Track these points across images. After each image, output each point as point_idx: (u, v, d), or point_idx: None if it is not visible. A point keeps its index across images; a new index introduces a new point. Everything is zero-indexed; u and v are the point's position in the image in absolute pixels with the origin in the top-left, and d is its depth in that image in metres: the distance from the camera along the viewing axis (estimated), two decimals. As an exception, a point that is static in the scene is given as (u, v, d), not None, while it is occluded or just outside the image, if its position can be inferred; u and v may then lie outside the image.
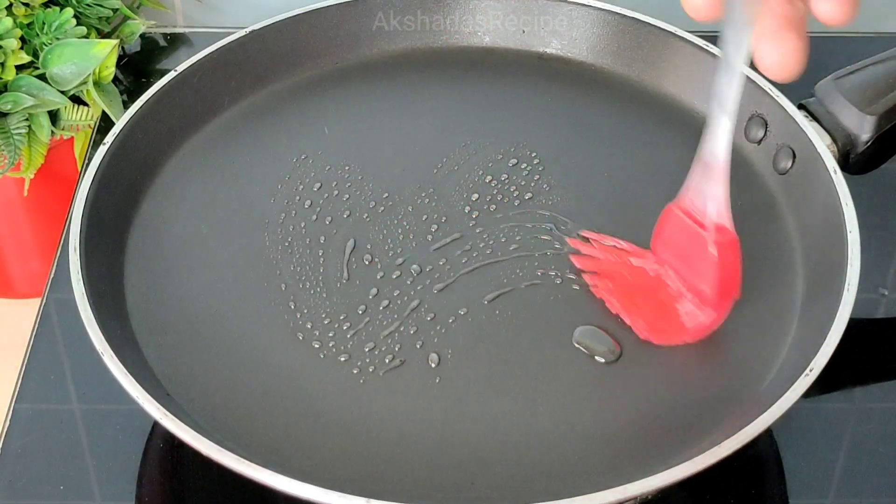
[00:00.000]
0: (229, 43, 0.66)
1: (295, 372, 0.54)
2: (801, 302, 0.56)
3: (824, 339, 0.50)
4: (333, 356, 0.54)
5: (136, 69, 0.81)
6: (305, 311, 0.56)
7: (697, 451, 0.47)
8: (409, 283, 0.57)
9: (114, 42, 0.76)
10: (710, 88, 0.48)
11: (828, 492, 0.55)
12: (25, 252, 0.96)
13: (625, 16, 0.67)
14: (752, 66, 0.64)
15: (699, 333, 0.53)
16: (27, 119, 0.78)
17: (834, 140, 0.61)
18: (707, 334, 0.53)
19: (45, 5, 0.78)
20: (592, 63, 0.69)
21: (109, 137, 0.60)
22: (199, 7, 0.83)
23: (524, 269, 0.58)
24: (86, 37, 0.77)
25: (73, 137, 0.81)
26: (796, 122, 0.61)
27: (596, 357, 0.54)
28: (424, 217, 0.61)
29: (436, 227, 0.60)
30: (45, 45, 0.76)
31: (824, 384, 0.53)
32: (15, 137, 0.78)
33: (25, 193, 0.84)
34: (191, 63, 0.65)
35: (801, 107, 0.62)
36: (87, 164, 0.59)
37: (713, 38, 0.65)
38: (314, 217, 0.61)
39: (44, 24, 0.77)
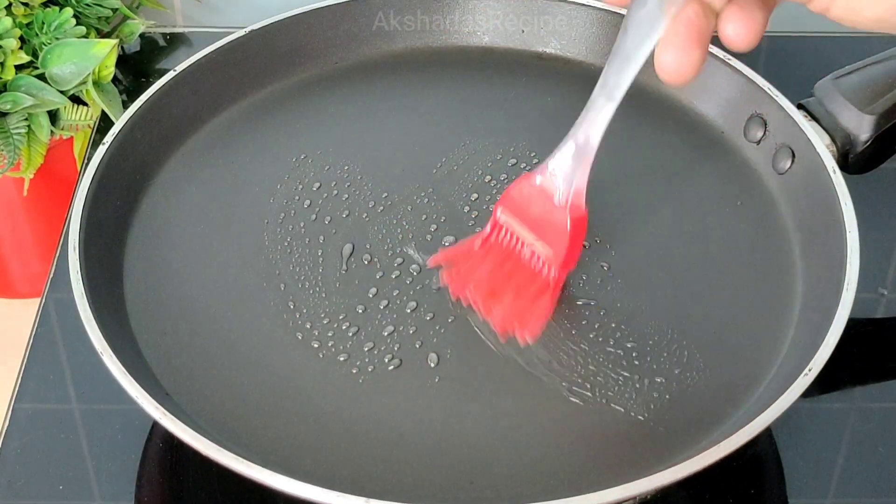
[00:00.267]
0: (229, 43, 0.66)
1: (294, 372, 0.54)
2: (800, 302, 0.56)
3: (823, 338, 0.50)
4: (333, 356, 0.54)
5: (135, 69, 0.81)
6: (305, 310, 0.56)
7: (697, 451, 0.47)
8: (408, 282, 0.57)
9: (113, 42, 0.76)
10: (602, 75, 0.48)
11: (827, 492, 0.55)
12: (25, 252, 0.96)
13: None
14: (750, 66, 0.64)
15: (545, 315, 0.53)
16: (27, 119, 0.78)
17: (833, 140, 0.61)
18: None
19: (45, 5, 0.78)
20: (592, 63, 0.69)
21: (109, 137, 0.60)
22: (198, 7, 0.83)
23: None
24: (85, 36, 0.77)
25: (72, 137, 0.82)
26: (795, 121, 0.61)
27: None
28: (424, 217, 0.61)
29: (435, 226, 0.60)
30: (45, 45, 0.76)
31: (823, 384, 0.53)
32: (14, 137, 0.78)
33: (25, 193, 0.84)
34: (190, 63, 0.65)
35: (800, 107, 0.62)
36: (87, 164, 0.59)
37: (713, 38, 0.66)
38: (313, 217, 0.61)
39: (43, 23, 0.77)
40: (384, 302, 0.56)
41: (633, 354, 0.54)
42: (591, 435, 0.51)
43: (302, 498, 0.46)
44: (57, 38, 0.76)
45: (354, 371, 0.53)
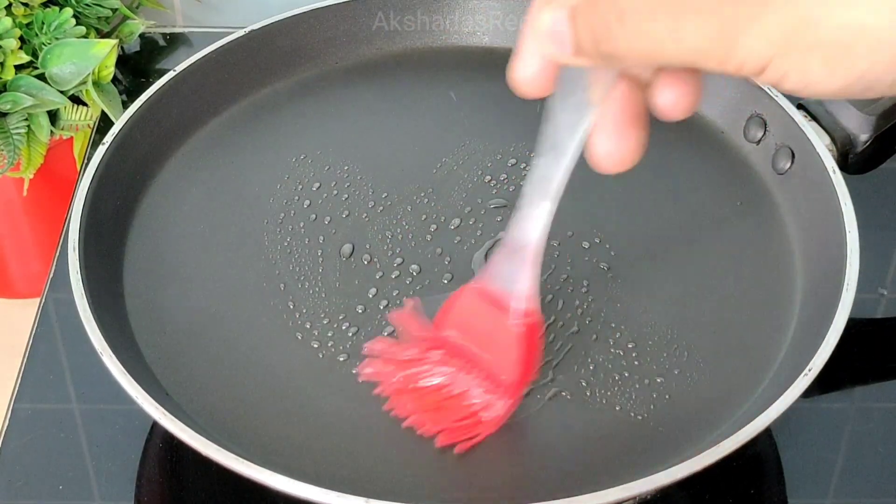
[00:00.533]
0: (229, 43, 0.66)
1: (294, 372, 0.54)
2: (800, 302, 0.56)
3: (823, 338, 0.50)
4: (332, 356, 0.54)
5: (135, 69, 0.81)
6: (304, 310, 0.56)
7: (697, 451, 0.47)
8: (408, 282, 0.57)
9: (113, 42, 0.76)
10: (529, 172, 0.44)
11: (827, 492, 0.55)
12: (25, 252, 0.96)
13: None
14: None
15: (496, 425, 0.49)
16: (26, 119, 0.78)
17: (833, 140, 0.61)
18: (502, 423, 0.49)
19: (45, 5, 0.78)
20: (592, 63, 0.69)
21: (109, 137, 0.60)
22: (198, 7, 0.83)
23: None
24: (85, 37, 0.77)
25: (72, 137, 0.81)
26: (795, 122, 0.61)
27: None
28: (424, 217, 0.61)
29: (435, 226, 0.60)
30: (45, 45, 0.76)
31: (823, 384, 0.53)
32: (14, 137, 0.78)
33: (25, 193, 0.84)
34: (190, 63, 0.65)
35: (800, 107, 0.62)
36: (87, 164, 0.59)
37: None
38: (313, 217, 0.61)
39: (43, 23, 0.77)
40: (384, 302, 0.56)
41: (633, 354, 0.54)
42: (591, 435, 0.51)
43: (302, 498, 0.46)
44: (57, 38, 0.76)
45: (354, 371, 0.53)
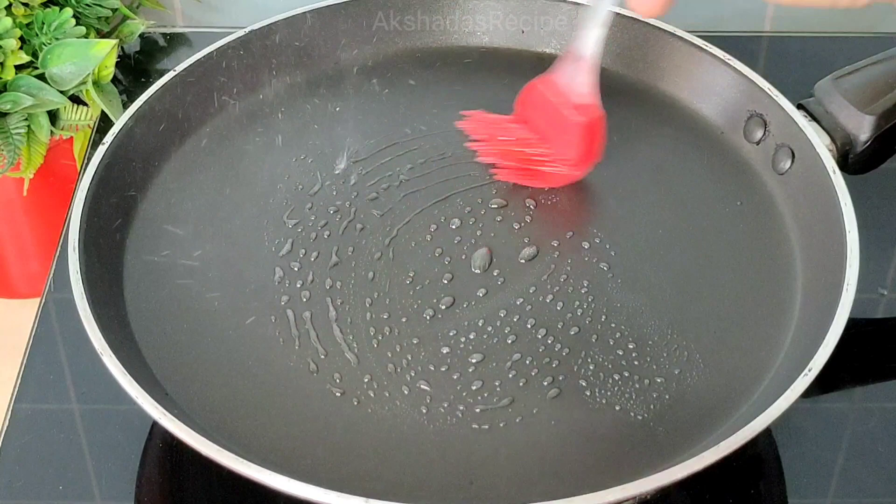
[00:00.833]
0: (229, 43, 0.66)
1: (294, 372, 0.54)
2: (799, 302, 0.56)
3: (823, 338, 0.50)
4: (333, 356, 0.54)
5: (135, 69, 0.81)
6: (305, 310, 0.56)
7: (697, 451, 0.47)
8: (407, 283, 0.57)
9: (113, 42, 0.76)
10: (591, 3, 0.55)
11: (827, 492, 0.55)
12: (25, 252, 0.96)
13: (625, 16, 0.67)
14: (750, 66, 0.64)
15: (564, 180, 0.61)
16: (26, 119, 0.78)
17: (833, 140, 0.61)
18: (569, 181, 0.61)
19: (45, 5, 0.78)
20: (592, 63, 0.69)
21: (109, 137, 0.60)
22: (198, 7, 0.83)
23: (528, 270, 0.58)
24: (85, 37, 0.77)
25: (72, 137, 0.81)
26: (795, 122, 0.61)
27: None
28: (424, 217, 0.61)
29: (435, 226, 0.60)
30: (45, 45, 0.76)
31: (823, 384, 0.53)
32: (14, 137, 0.78)
33: (25, 193, 0.84)
34: (190, 63, 0.65)
35: (800, 107, 0.62)
36: (87, 164, 0.59)
37: (713, 38, 0.66)
38: (313, 217, 0.61)
39: (43, 23, 0.77)
40: (385, 301, 0.56)
41: (633, 354, 0.54)
42: (591, 435, 0.51)
43: (302, 498, 0.46)
44: (57, 39, 0.76)
45: (355, 372, 0.53)
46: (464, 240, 0.60)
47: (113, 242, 0.58)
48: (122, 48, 0.81)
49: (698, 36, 0.66)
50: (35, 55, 0.77)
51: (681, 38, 0.66)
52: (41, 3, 0.78)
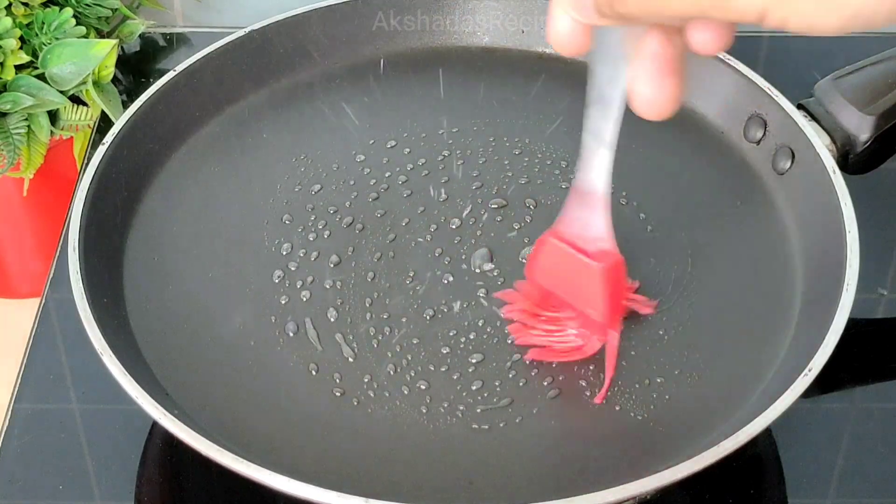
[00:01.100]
0: (229, 43, 0.66)
1: (294, 372, 0.54)
2: (799, 302, 0.56)
3: (823, 338, 0.50)
4: (333, 356, 0.54)
5: (135, 69, 0.81)
6: (305, 310, 0.56)
7: (697, 451, 0.47)
8: (407, 283, 0.57)
9: (113, 42, 0.76)
10: (584, 120, 0.47)
11: (827, 492, 0.55)
12: (25, 252, 0.96)
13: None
14: (750, 66, 0.64)
15: (590, 355, 0.54)
16: (26, 119, 0.78)
17: (833, 140, 0.61)
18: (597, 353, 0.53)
19: (45, 5, 0.78)
20: (592, 63, 0.69)
21: (109, 137, 0.60)
22: (198, 7, 0.83)
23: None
24: (85, 37, 0.77)
25: (72, 137, 0.81)
26: (795, 122, 0.61)
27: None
28: (424, 217, 0.61)
29: (435, 226, 0.60)
30: (45, 45, 0.76)
31: (823, 384, 0.53)
32: (14, 137, 0.78)
33: (25, 193, 0.84)
34: (190, 63, 0.65)
35: (800, 107, 0.62)
36: (87, 164, 0.59)
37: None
38: (313, 217, 0.61)
39: (43, 23, 0.77)
40: (385, 301, 0.56)
41: (633, 354, 0.54)
42: (591, 435, 0.51)
43: (302, 498, 0.46)
44: (57, 38, 0.76)
45: (356, 371, 0.53)
46: (464, 240, 0.60)
47: (113, 242, 0.58)
48: (122, 48, 0.81)
49: (698, 36, 0.66)
50: (35, 55, 0.77)
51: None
52: (41, 3, 0.78)
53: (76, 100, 0.79)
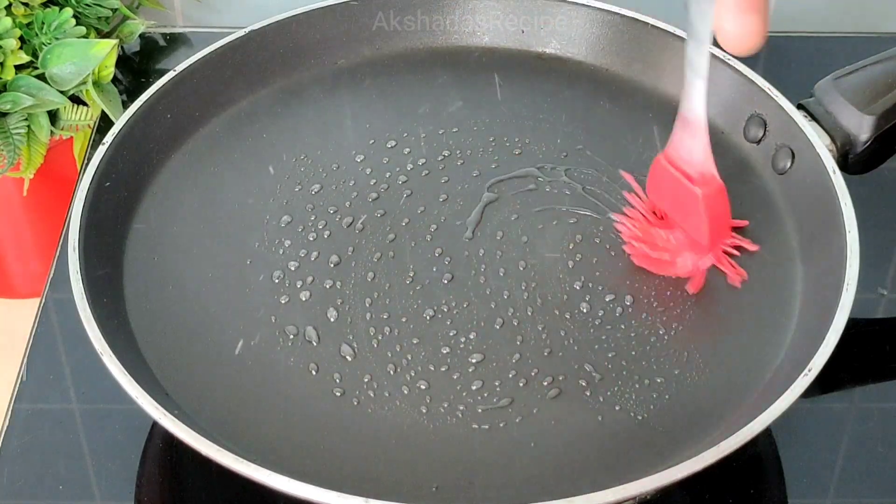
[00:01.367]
0: (229, 43, 0.66)
1: (294, 372, 0.54)
2: (799, 301, 0.56)
3: (823, 338, 0.50)
4: (333, 356, 0.54)
5: (135, 69, 0.81)
6: (305, 310, 0.56)
7: (697, 451, 0.47)
8: (407, 283, 0.57)
9: (113, 42, 0.76)
10: (684, 55, 0.51)
11: (827, 492, 0.55)
12: (25, 252, 0.96)
13: (624, 16, 0.67)
14: (750, 66, 0.64)
15: (682, 274, 0.57)
16: (26, 119, 0.78)
17: (833, 140, 0.61)
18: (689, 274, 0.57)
19: (45, 5, 0.78)
20: (592, 63, 0.69)
21: (109, 137, 0.60)
22: (198, 7, 0.83)
23: (526, 268, 0.58)
24: (85, 37, 0.77)
25: (72, 137, 0.82)
26: (795, 122, 0.61)
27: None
28: (424, 217, 0.61)
29: (435, 226, 0.60)
30: (45, 45, 0.76)
31: (823, 384, 0.53)
32: (14, 137, 0.78)
33: (25, 193, 0.84)
34: (190, 63, 0.65)
35: (800, 107, 0.62)
36: (87, 164, 0.59)
37: (713, 38, 0.66)
38: (313, 217, 0.61)
39: (43, 23, 0.77)
40: (385, 300, 0.56)
41: (633, 354, 0.54)
42: (591, 435, 0.51)
43: (302, 498, 0.46)
44: (57, 38, 0.76)
45: (356, 371, 0.53)
46: (464, 240, 0.60)
47: (113, 242, 0.58)
48: (122, 48, 0.81)
49: (698, 36, 0.66)
50: (35, 55, 0.77)
51: (681, 38, 0.66)
52: (41, 3, 0.78)
53: (76, 100, 0.79)
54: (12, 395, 0.59)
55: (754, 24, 0.45)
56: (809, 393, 0.49)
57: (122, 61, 0.81)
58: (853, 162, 0.61)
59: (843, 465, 0.56)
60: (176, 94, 0.64)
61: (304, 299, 0.57)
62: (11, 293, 0.99)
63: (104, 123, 0.76)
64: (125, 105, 0.70)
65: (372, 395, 0.53)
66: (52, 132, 0.80)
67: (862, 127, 0.61)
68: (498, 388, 0.53)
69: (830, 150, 0.60)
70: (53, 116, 0.80)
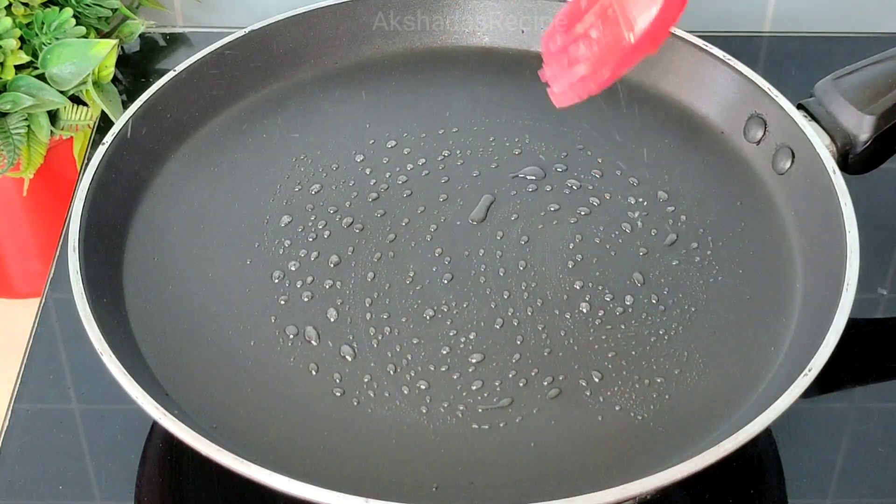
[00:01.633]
0: (229, 43, 0.66)
1: (294, 372, 0.54)
2: (799, 302, 0.56)
3: (823, 338, 0.50)
4: (332, 356, 0.54)
5: (135, 69, 0.81)
6: (305, 310, 0.56)
7: (697, 451, 0.47)
8: (407, 283, 0.57)
9: (113, 42, 0.75)
10: None
11: (827, 492, 0.55)
12: (25, 252, 0.96)
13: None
14: (750, 66, 0.64)
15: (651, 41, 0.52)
16: (26, 119, 0.78)
17: (833, 140, 0.61)
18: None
19: (45, 5, 0.78)
20: (592, 63, 0.69)
21: (109, 137, 0.60)
22: (198, 7, 0.83)
23: (526, 268, 0.58)
24: (85, 37, 0.77)
25: (72, 137, 0.81)
26: (795, 122, 0.61)
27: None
28: (424, 217, 0.61)
29: (435, 226, 0.60)
30: (45, 45, 0.76)
31: (823, 384, 0.53)
32: (14, 137, 0.78)
33: (25, 193, 0.84)
34: (190, 63, 0.65)
35: (800, 107, 0.62)
36: (87, 164, 0.59)
37: (713, 38, 0.66)
38: (313, 217, 0.61)
39: (43, 23, 0.77)
40: (385, 301, 0.56)
41: (633, 354, 0.54)
42: (591, 435, 0.51)
43: (302, 498, 0.46)
44: (57, 38, 0.76)
45: (356, 371, 0.53)
46: (464, 240, 0.60)
47: (113, 242, 0.58)
48: (122, 48, 0.81)
49: (698, 36, 0.66)
50: (35, 55, 0.77)
51: (681, 38, 0.66)
52: (41, 3, 0.78)
53: (76, 100, 0.79)
54: (12, 395, 0.59)
55: None
56: (809, 393, 0.49)
57: (122, 61, 0.81)
58: (853, 162, 0.61)
59: (843, 465, 0.56)
60: (176, 94, 0.64)
61: (304, 299, 0.57)
62: (11, 293, 0.99)
63: (104, 123, 0.76)
64: (125, 105, 0.70)
65: (372, 395, 0.53)
66: (52, 132, 0.80)
67: (862, 127, 0.61)
68: (498, 388, 0.53)
69: (830, 150, 0.60)
70: (53, 116, 0.80)
